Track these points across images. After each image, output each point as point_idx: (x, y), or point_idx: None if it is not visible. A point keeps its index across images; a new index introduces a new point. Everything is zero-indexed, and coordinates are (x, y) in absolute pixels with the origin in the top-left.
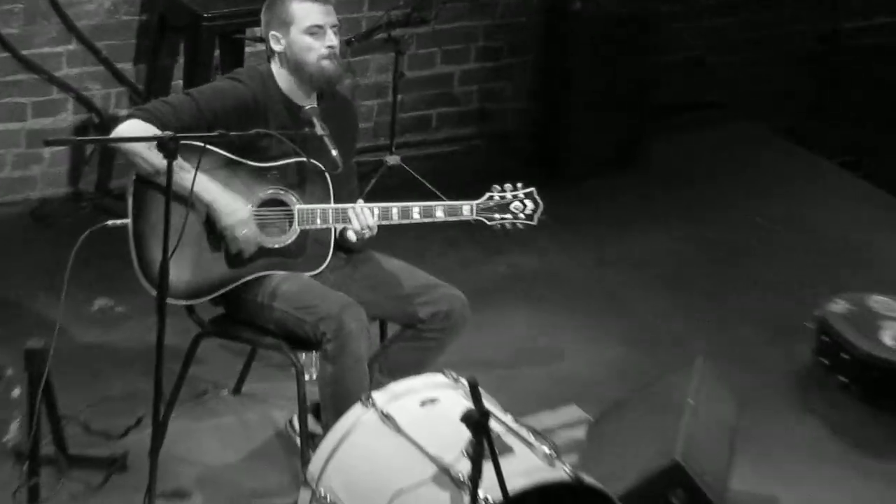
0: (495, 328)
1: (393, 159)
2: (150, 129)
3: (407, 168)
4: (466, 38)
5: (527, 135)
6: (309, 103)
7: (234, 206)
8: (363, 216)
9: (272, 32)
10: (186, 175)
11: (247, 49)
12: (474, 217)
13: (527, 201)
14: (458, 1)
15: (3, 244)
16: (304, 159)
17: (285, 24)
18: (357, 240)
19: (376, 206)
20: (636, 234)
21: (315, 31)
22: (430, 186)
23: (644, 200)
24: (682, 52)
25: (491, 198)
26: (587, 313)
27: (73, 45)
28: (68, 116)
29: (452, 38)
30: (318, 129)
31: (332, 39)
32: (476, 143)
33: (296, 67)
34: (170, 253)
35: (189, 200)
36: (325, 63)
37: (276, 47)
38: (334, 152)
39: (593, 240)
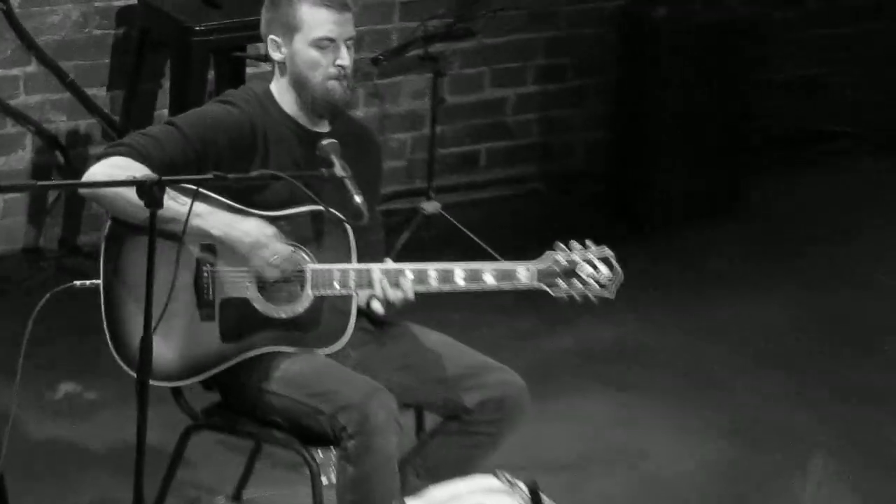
0: (561, 418)
1: (431, 206)
2: (132, 167)
3: (448, 217)
4: (523, 54)
5: (599, 175)
6: (321, 126)
7: (250, 228)
8: (391, 284)
9: (272, 36)
10: (181, 211)
11: (248, 70)
12: (534, 284)
13: (601, 266)
14: (513, 9)
15: None
16: (321, 208)
17: (289, 30)
18: (385, 310)
19: (409, 268)
20: (736, 300)
21: (325, 44)
22: (477, 241)
23: (746, 258)
24: (794, 69)
25: (556, 260)
26: (676, 399)
27: (32, 67)
28: (26, 155)
29: (505, 54)
30: (338, 170)
31: (345, 57)
32: (535, 185)
33: (295, 84)
34: (154, 323)
35: (180, 245)
36: (332, 84)
37: (276, 55)
38: (358, 199)
39: (683, 307)
